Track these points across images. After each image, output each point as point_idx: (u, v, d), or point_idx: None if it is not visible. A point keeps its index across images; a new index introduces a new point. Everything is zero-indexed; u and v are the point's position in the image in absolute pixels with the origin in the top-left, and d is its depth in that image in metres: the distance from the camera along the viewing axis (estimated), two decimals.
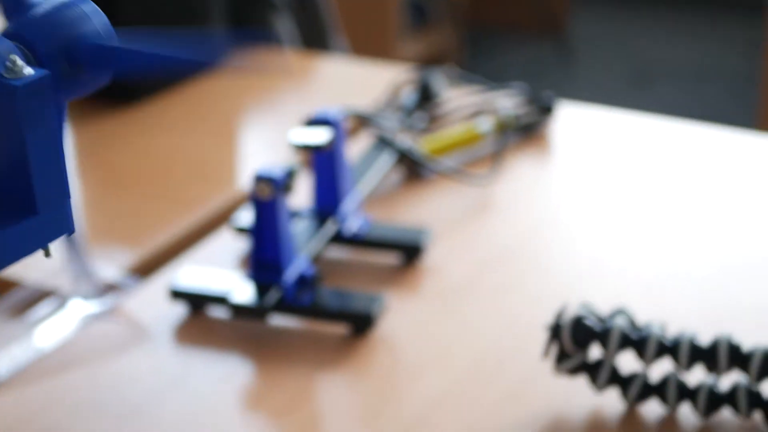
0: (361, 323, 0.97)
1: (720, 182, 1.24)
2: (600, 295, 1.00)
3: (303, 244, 1.01)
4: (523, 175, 1.26)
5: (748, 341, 0.86)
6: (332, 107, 1.08)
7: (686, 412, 0.89)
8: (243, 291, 0.96)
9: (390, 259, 1.09)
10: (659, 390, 0.88)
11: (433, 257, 1.09)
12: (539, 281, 1.07)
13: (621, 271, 1.08)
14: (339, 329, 0.98)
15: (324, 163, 1.05)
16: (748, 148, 1.32)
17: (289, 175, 0.95)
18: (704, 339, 0.87)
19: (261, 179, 0.94)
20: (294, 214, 1.06)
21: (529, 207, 1.21)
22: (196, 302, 0.99)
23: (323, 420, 0.90)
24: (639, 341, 0.86)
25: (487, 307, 1.02)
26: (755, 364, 0.84)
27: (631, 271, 1.07)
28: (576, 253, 1.12)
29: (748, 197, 1.21)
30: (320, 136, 1.01)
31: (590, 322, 0.87)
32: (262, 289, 0.96)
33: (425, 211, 1.19)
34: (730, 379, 0.87)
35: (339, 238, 1.07)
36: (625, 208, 1.19)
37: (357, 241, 1.07)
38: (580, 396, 0.90)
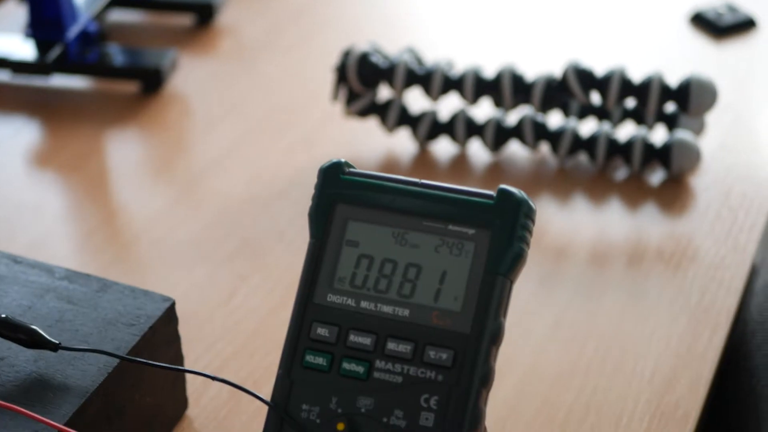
0: (151, 79, 0.94)
1: None
2: (397, 45, 0.99)
3: (87, 4, 0.98)
4: None
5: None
6: None
7: (476, 148, 0.90)
8: (24, 50, 0.93)
9: (183, 20, 1.06)
10: (449, 128, 0.88)
11: (229, 17, 1.07)
12: (336, 34, 1.05)
13: (419, 22, 1.07)
14: (129, 87, 0.96)
15: None
16: None
17: None
18: (489, 72, 0.87)
19: None
20: None
21: None
22: None
23: (113, 173, 0.89)
24: (425, 76, 0.86)
25: (282, 62, 1.01)
26: (537, 92, 0.85)
27: (427, 20, 1.07)
28: (374, 7, 1.10)
29: None
30: None
31: (376, 59, 0.86)
32: (43, 47, 0.92)
33: None
34: (518, 114, 0.88)
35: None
36: None
37: (146, 1, 1.04)
38: (372, 139, 0.91)
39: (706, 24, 1.02)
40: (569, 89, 0.84)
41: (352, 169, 0.55)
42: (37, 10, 0.92)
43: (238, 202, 0.84)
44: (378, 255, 0.53)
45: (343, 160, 0.54)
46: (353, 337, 0.52)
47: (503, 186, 0.52)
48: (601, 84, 0.83)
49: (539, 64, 0.92)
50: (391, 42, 0.98)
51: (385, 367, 0.52)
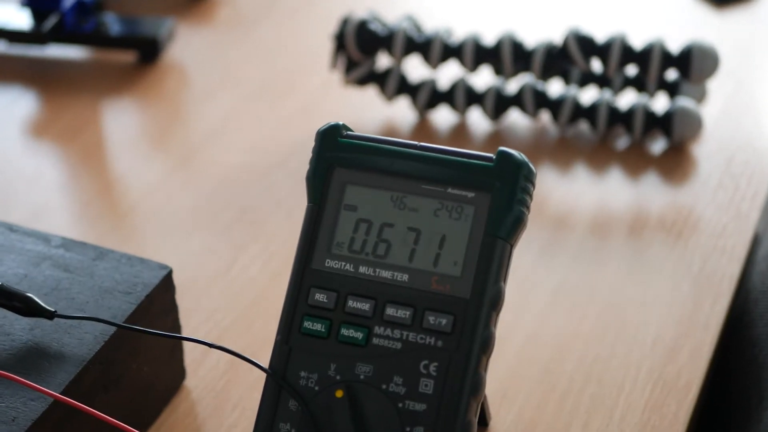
0: (148, 49, 0.93)
1: None
2: (396, 13, 0.99)
3: None
4: None
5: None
6: None
7: (476, 116, 0.89)
8: (19, 19, 0.92)
9: None
10: (449, 96, 0.87)
11: None
12: (335, 2, 1.04)
13: None
14: (126, 57, 0.95)
15: None
16: None
17: None
18: (489, 39, 0.86)
19: None
20: None
21: None
22: None
23: (110, 143, 0.88)
24: (424, 44, 0.85)
25: (280, 31, 1.00)
26: (538, 60, 0.84)
27: None
28: None
29: None
30: None
31: (375, 26, 0.85)
32: (39, 16, 0.91)
33: None
34: (518, 82, 0.88)
35: None
36: None
37: None
38: (372, 108, 0.90)
39: None
40: (570, 56, 0.83)
41: (350, 132, 0.54)
42: None
43: (236, 172, 0.83)
44: (377, 219, 0.52)
45: (341, 123, 0.54)
46: (352, 303, 0.52)
47: (503, 148, 0.51)
48: (602, 51, 0.83)
49: (539, 31, 0.91)
50: (389, 10, 0.97)
51: (384, 333, 0.51)
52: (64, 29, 0.92)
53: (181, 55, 0.96)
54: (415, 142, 0.53)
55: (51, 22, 0.91)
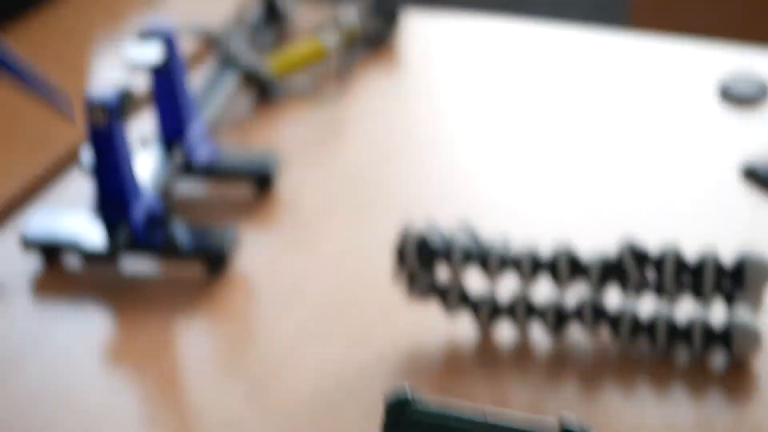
0: (215, 261, 0.96)
1: (576, 83, 1.25)
2: (451, 215, 1.00)
3: (150, 177, 0.99)
4: (373, 91, 1.24)
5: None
6: (166, 21, 1.05)
7: (537, 331, 0.90)
8: (92, 235, 0.94)
9: (241, 188, 1.07)
10: (509, 311, 0.89)
11: (286, 185, 1.08)
12: (393, 205, 1.06)
13: (473, 190, 1.08)
14: (193, 269, 0.97)
15: (163, 84, 1.00)
16: (620, 48, 1.30)
17: (123, 97, 0.90)
18: (546, 251, 0.88)
19: (94, 105, 0.88)
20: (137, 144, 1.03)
21: (379, 125, 1.19)
22: (49, 251, 0.98)
23: (186, 369, 0.89)
24: (481, 256, 0.87)
25: (339, 237, 1.01)
26: (594, 273, 0.86)
27: (481, 189, 1.08)
28: (428, 173, 1.11)
29: (614, 96, 1.22)
30: (153, 51, 0.96)
31: (433, 240, 0.87)
32: (110, 229, 0.93)
33: (276, 134, 1.17)
34: (576, 293, 0.89)
35: (187, 168, 1.05)
36: (479, 119, 1.19)
37: (206, 170, 1.05)
38: (434, 323, 0.91)
39: (760, 179, 1.03)
40: (625, 269, 0.85)
41: (419, 407, 0.55)
42: (102, 189, 0.93)
43: (305, 402, 0.84)
44: None
45: (408, 393, 0.55)
46: None
47: (567, 422, 0.53)
48: (656, 264, 0.85)
49: (591, 229, 0.93)
50: (443, 210, 0.99)
51: None
52: (137, 243, 0.94)
53: (244, 265, 0.97)
54: (483, 411, 0.55)
55: (123, 235, 0.93)
